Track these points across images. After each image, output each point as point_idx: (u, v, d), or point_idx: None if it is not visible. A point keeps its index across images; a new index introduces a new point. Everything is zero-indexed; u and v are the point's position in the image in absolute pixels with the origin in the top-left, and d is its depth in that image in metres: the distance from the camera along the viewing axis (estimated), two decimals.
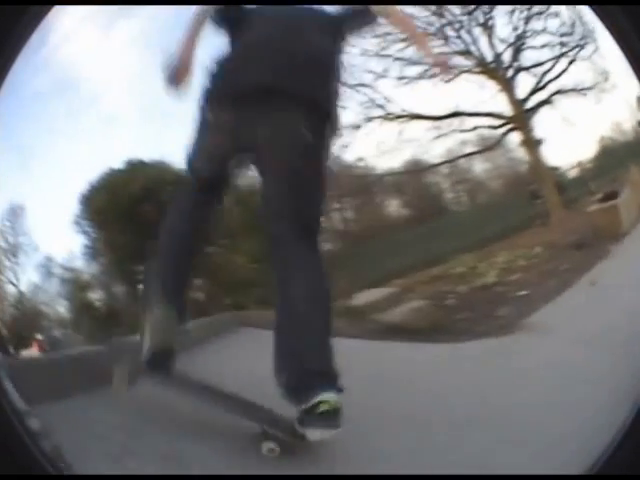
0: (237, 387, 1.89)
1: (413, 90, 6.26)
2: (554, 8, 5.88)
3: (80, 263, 9.46)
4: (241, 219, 5.22)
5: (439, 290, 4.45)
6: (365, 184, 6.98)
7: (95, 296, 9.13)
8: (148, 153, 5.52)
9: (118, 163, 4.94)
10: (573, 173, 6.99)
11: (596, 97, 6.13)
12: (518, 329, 3.28)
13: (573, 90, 6.21)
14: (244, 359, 2.86)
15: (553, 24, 6.08)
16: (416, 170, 7.04)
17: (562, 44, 6.13)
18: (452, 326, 3.71)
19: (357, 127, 6.13)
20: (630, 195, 5.02)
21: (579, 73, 6.14)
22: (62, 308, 10.52)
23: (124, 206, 4.94)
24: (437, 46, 6.17)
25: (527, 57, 6.28)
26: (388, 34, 6.26)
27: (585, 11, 5.26)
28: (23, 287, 9.72)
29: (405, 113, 6.12)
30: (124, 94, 4.35)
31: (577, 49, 6.05)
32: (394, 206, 7.44)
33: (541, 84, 6.24)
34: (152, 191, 4.68)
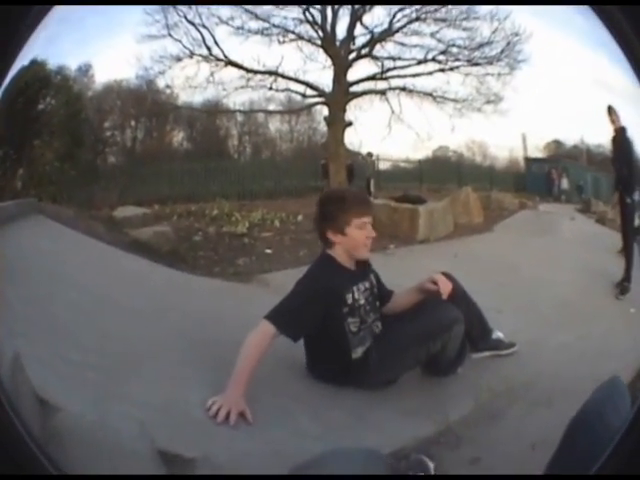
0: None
1: (245, 42, 6.37)
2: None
3: None
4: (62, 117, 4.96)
5: (191, 225, 4.87)
6: (162, 111, 6.95)
7: None
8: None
9: None
10: (386, 167, 6.77)
11: (458, 111, 5.97)
12: (253, 281, 3.74)
13: (430, 95, 5.97)
14: (39, 241, 3.16)
15: (452, 34, 5.71)
16: (209, 110, 7.23)
17: (445, 52, 5.80)
18: (191, 260, 4.14)
19: (178, 59, 6.08)
20: (444, 208, 5.35)
21: (451, 83, 5.94)
22: None
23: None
24: (290, 11, 6.11)
25: (386, 49, 6.02)
26: None
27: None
28: None
29: (223, 58, 6.29)
30: None
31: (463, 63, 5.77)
32: (179, 138, 7.53)
33: (384, 76, 6.02)
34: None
